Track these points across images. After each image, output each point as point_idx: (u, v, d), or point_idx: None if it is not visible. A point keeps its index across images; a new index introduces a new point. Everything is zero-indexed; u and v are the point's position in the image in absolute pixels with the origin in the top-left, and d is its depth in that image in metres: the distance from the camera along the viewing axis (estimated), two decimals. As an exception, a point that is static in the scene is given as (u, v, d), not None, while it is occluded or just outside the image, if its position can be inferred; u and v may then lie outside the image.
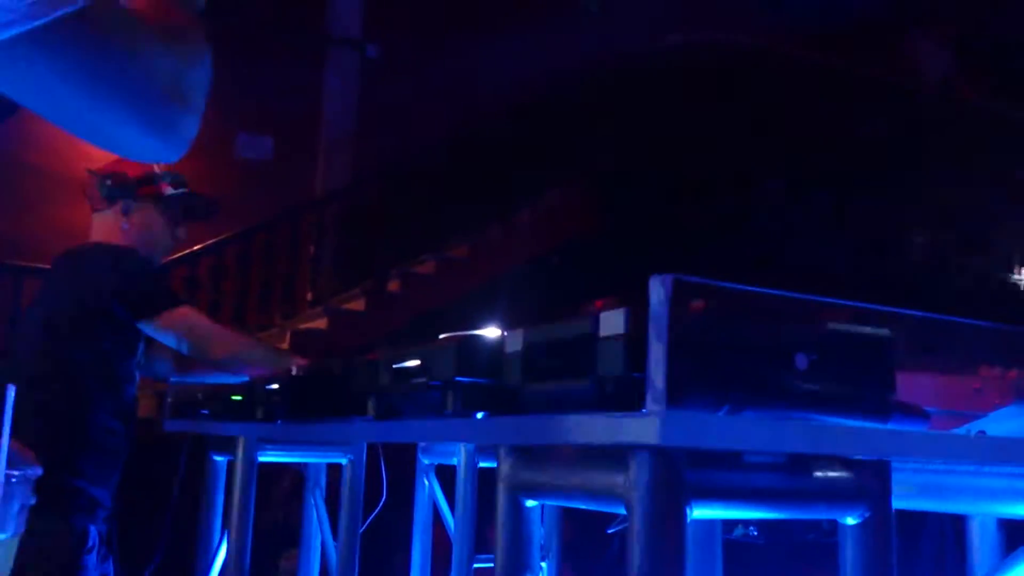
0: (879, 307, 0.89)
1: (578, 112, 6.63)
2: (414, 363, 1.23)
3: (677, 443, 0.78)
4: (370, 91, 7.62)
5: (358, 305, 6.47)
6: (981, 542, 1.40)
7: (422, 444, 2.75)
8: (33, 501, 1.50)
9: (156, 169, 2.31)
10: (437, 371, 1.17)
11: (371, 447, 2.44)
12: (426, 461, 2.74)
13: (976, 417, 0.99)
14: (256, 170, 7.22)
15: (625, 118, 6.41)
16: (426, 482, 2.74)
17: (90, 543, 2.03)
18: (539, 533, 1.16)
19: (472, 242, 6.77)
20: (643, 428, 0.80)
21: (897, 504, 1.36)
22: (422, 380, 1.19)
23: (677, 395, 0.79)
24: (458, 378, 1.11)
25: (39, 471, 1.31)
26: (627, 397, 0.86)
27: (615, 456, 0.94)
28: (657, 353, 0.79)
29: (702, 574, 1.26)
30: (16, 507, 1.30)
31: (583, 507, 1.02)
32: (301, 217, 6.73)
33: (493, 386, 1.10)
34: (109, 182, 2.26)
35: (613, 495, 0.95)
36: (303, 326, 6.36)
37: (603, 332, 0.90)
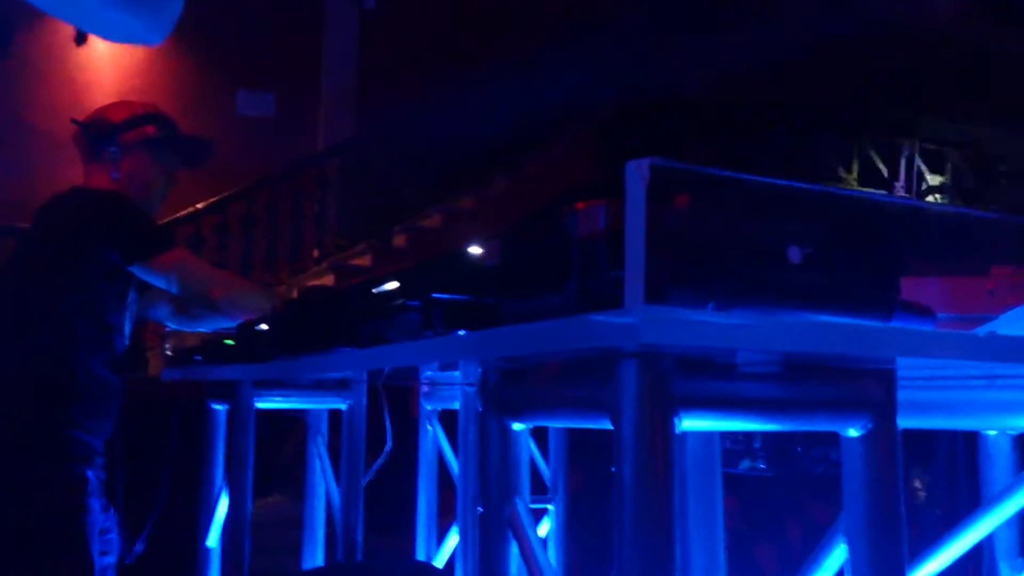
0: (881, 196, 0.82)
1: (584, 56, 6.50)
2: (393, 286, 1.17)
3: (658, 341, 0.72)
4: (370, 43, 7.49)
5: (364, 261, 6.42)
6: (994, 460, 1.34)
7: (424, 389, 2.70)
8: None
9: (140, 111, 2.24)
10: (415, 291, 1.11)
11: (373, 393, 2.40)
12: (429, 407, 2.70)
13: (989, 320, 0.93)
14: (258, 127, 7.14)
15: (624, 58, 6.27)
16: (429, 428, 2.70)
17: (90, 487, 2.01)
18: (527, 458, 1.11)
19: (478, 194, 6.68)
20: (622, 327, 0.73)
21: (906, 423, 1.30)
22: (401, 302, 1.14)
23: (657, 290, 0.73)
24: (436, 295, 1.05)
25: None
26: (609, 298, 0.80)
27: (600, 367, 0.88)
28: (634, 245, 0.73)
29: (701, 506, 1.20)
30: None
31: (570, 425, 0.97)
32: (304, 173, 6.66)
33: (473, 302, 1.04)
34: (91, 129, 2.19)
35: (599, 409, 0.89)
36: (310, 283, 6.32)
37: (581, 231, 0.84)
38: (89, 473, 2.02)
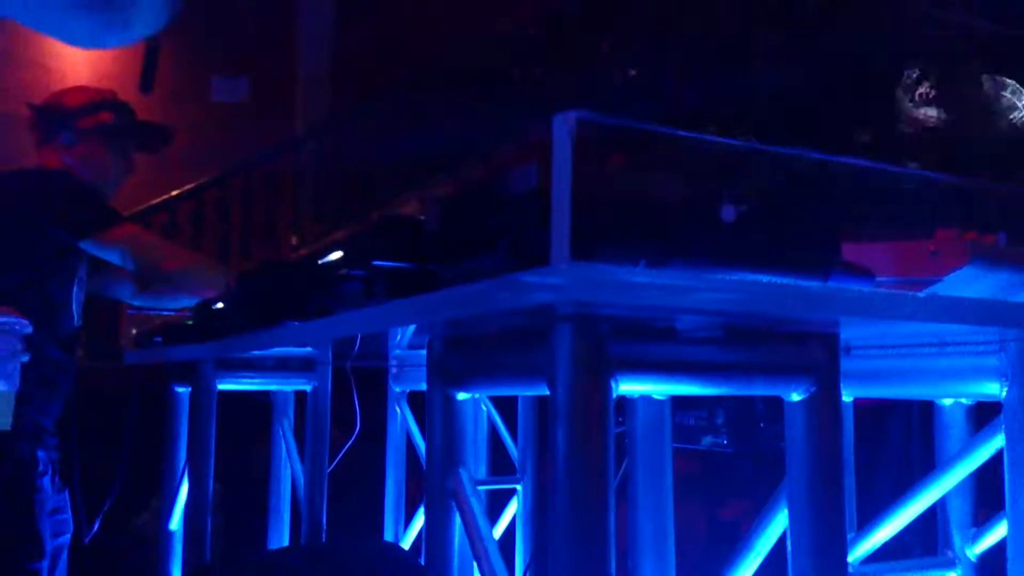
0: (820, 155, 0.81)
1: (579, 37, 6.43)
2: (337, 256, 1.15)
3: (583, 298, 0.70)
4: (346, 25, 7.43)
5: (342, 247, 6.38)
6: (949, 431, 1.33)
7: (392, 371, 2.68)
8: (26, 359, 1.48)
9: (97, 98, 2.20)
10: (359, 261, 1.09)
11: (341, 375, 2.37)
12: (397, 389, 2.68)
13: (932, 283, 0.91)
14: (232, 113, 7.07)
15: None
16: (398, 410, 2.68)
17: (41, 467, 1.97)
18: (472, 429, 1.10)
19: (456, 178, 6.65)
20: (547, 283, 0.72)
21: (859, 392, 1.29)
22: (344, 272, 1.11)
23: (584, 247, 0.71)
24: (377, 263, 1.03)
25: (27, 326, 1.30)
26: (540, 257, 0.78)
27: (536, 332, 0.86)
28: (560, 201, 0.71)
29: (650, 472, 1.19)
30: (7, 357, 1.32)
31: (511, 392, 0.96)
32: (280, 158, 6.60)
33: (414, 269, 1.02)
34: (46, 113, 2.15)
35: (536, 374, 0.87)
36: (287, 269, 6.27)
37: (513, 191, 0.82)
38: (40, 453, 1.98)
